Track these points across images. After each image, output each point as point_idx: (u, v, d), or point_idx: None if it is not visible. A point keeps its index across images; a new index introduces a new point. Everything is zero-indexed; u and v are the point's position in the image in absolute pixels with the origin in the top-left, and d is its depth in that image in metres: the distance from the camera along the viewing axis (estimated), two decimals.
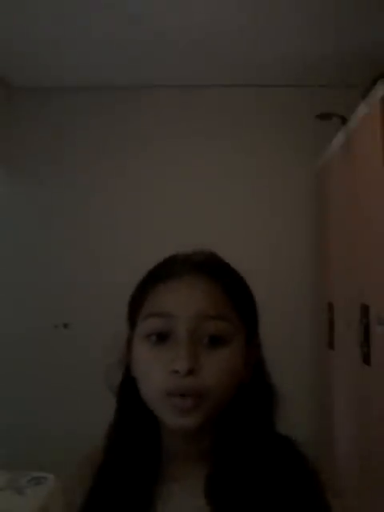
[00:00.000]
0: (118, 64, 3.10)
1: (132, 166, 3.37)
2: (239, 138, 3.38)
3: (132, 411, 0.84)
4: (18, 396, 3.26)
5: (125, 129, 3.41)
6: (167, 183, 3.36)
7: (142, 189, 3.36)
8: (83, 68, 3.17)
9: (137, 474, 0.80)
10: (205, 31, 2.69)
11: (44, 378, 3.28)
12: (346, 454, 2.63)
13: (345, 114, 2.63)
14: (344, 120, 2.64)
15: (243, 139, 3.38)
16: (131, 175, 3.37)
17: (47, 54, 2.96)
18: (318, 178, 3.22)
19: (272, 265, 3.31)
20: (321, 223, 3.18)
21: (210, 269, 0.83)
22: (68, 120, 3.41)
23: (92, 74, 3.24)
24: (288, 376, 3.62)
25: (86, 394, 3.19)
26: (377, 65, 2.58)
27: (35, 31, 2.69)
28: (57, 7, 2.45)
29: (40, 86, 3.38)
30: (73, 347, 3.26)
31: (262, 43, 2.82)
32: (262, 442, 0.81)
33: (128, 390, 0.83)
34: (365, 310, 2.20)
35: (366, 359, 2.19)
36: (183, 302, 0.78)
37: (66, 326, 3.31)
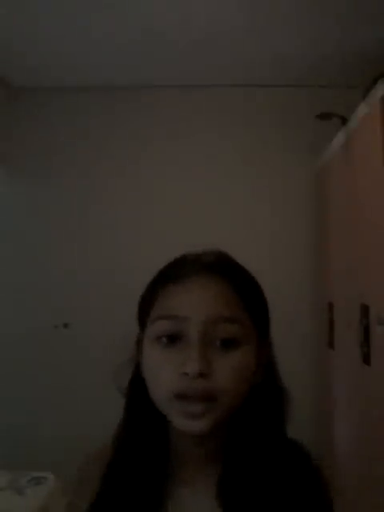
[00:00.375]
0: (118, 64, 3.10)
1: (132, 166, 3.37)
2: (239, 138, 3.38)
3: (141, 412, 0.83)
4: (18, 396, 3.26)
5: (125, 129, 3.41)
6: (167, 183, 3.36)
7: (141, 189, 3.36)
8: (83, 68, 3.17)
9: (146, 475, 0.79)
10: (205, 31, 2.69)
11: (44, 378, 3.28)
12: (346, 453, 2.63)
13: (345, 114, 2.63)
14: (344, 120, 2.64)
15: (243, 139, 3.38)
16: (131, 175, 3.37)
17: (47, 54, 2.96)
18: (318, 177, 3.22)
19: (272, 265, 3.31)
20: (321, 223, 3.18)
21: (221, 269, 0.82)
22: (68, 120, 3.41)
23: (92, 74, 3.24)
24: (288, 376, 3.61)
25: (86, 394, 3.19)
26: (377, 65, 2.58)
27: (35, 31, 2.70)
28: (57, 7, 2.46)
29: (40, 86, 3.38)
30: (73, 347, 3.26)
31: (262, 43, 2.82)
32: (272, 445, 0.81)
33: (137, 390, 0.83)
34: (365, 310, 2.20)
35: (366, 359, 2.19)
36: (194, 303, 0.77)
37: (66, 325, 3.31)
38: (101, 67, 3.15)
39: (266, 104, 3.38)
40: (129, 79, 3.31)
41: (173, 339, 0.77)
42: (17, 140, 3.36)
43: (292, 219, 3.34)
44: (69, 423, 3.15)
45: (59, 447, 3.01)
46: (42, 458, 2.68)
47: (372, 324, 2.14)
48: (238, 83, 3.34)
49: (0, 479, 2.20)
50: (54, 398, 3.26)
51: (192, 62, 3.09)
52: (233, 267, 0.85)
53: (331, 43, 2.80)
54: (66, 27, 2.66)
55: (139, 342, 0.83)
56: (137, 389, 0.83)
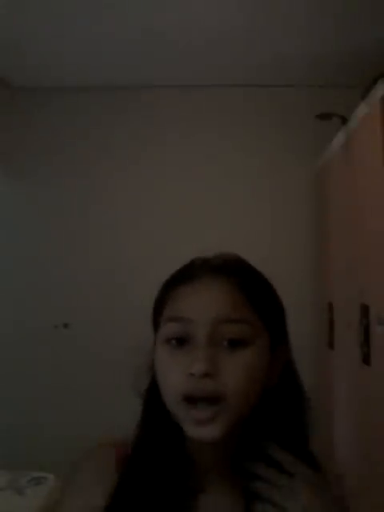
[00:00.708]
0: (118, 64, 3.10)
1: (132, 166, 3.37)
2: (239, 138, 3.38)
3: (157, 417, 0.82)
4: (18, 396, 3.26)
5: (125, 129, 3.41)
6: (167, 183, 3.36)
7: (141, 189, 3.36)
8: (83, 68, 3.17)
9: (163, 482, 0.78)
10: (205, 31, 2.69)
11: (44, 378, 3.28)
12: (346, 454, 2.63)
13: (345, 114, 2.63)
14: (344, 120, 2.64)
15: (243, 139, 3.38)
16: (131, 175, 3.37)
17: (47, 54, 2.96)
18: (318, 177, 3.22)
19: (272, 265, 3.29)
20: (321, 223, 3.18)
21: (229, 271, 0.82)
22: (68, 120, 3.41)
23: (92, 74, 3.24)
24: None
25: (86, 394, 3.19)
26: (377, 65, 2.58)
27: (35, 31, 2.69)
28: (57, 7, 2.45)
29: (40, 86, 3.38)
30: (73, 347, 3.26)
31: (261, 43, 2.82)
32: (291, 452, 0.79)
33: (154, 395, 0.82)
34: (365, 310, 2.20)
35: (366, 359, 2.19)
36: (201, 305, 0.78)
37: (66, 325, 3.31)
38: (101, 67, 3.15)
39: (266, 104, 3.38)
40: (129, 79, 3.30)
41: (181, 341, 0.77)
42: (17, 140, 3.36)
43: (292, 219, 3.34)
44: (69, 423, 3.15)
45: (59, 447, 3.01)
46: (42, 458, 2.68)
47: (372, 324, 2.14)
48: (238, 83, 3.34)
49: (0, 479, 2.20)
50: (54, 398, 3.26)
51: (192, 62, 3.09)
52: (241, 269, 0.87)
53: (331, 43, 2.80)
54: (65, 27, 2.66)
55: (154, 345, 0.83)
56: (153, 393, 0.82)
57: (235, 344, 0.76)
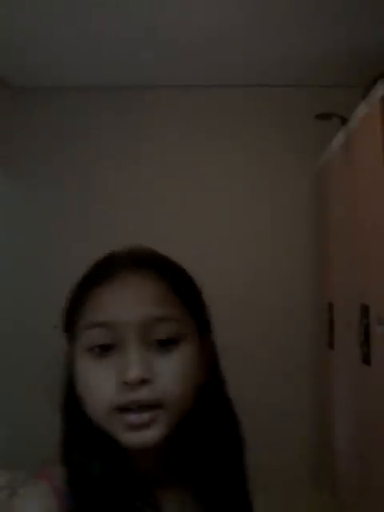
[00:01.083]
0: (118, 64, 3.10)
1: (132, 166, 3.37)
2: (239, 138, 3.38)
3: (83, 432, 0.72)
4: (18, 396, 3.26)
5: (125, 129, 3.41)
6: (167, 183, 3.36)
7: (141, 189, 3.36)
8: (83, 68, 3.17)
9: (108, 502, 0.69)
10: (205, 31, 2.69)
11: (44, 378, 3.27)
12: (346, 453, 2.63)
13: (345, 114, 2.63)
14: (344, 120, 2.64)
15: (243, 139, 3.38)
16: (131, 175, 3.36)
17: (48, 53, 2.96)
18: (318, 177, 3.22)
19: (272, 265, 3.31)
20: (321, 223, 3.18)
21: (151, 264, 0.74)
22: (68, 120, 3.41)
23: (92, 73, 3.24)
24: (288, 376, 3.64)
25: None
26: (377, 65, 2.58)
27: (35, 31, 2.69)
28: (57, 7, 2.45)
29: (40, 86, 3.38)
30: None
31: (261, 43, 2.82)
32: (231, 455, 0.78)
33: (75, 409, 0.72)
34: (365, 310, 2.20)
35: (366, 359, 2.19)
36: (126, 306, 0.70)
37: None
38: (101, 67, 3.15)
39: (266, 104, 3.38)
40: (128, 79, 3.30)
41: (106, 348, 0.69)
42: (17, 140, 3.36)
43: (292, 219, 3.34)
44: None
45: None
46: (41, 458, 2.67)
47: (372, 324, 2.14)
48: (238, 83, 3.34)
49: (0, 479, 2.20)
50: (54, 398, 3.25)
51: (192, 62, 3.09)
52: (163, 262, 0.78)
53: (331, 43, 2.80)
54: (65, 28, 2.65)
55: (70, 356, 0.74)
56: (74, 407, 0.73)
57: (166, 343, 0.70)
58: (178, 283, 0.74)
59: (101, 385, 0.68)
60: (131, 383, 0.66)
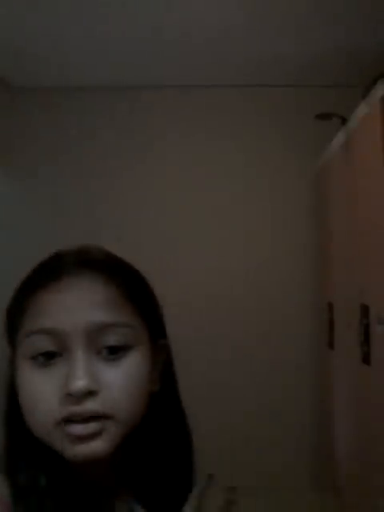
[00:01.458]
0: (118, 64, 3.10)
1: (132, 166, 3.37)
2: (239, 138, 3.38)
3: (28, 443, 0.66)
4: None
5: (125, 129, 3.41)
6: (167, 183, 3.36)
7: (142, 189, 3.36)
8: (84, 68, 3.17)
9: None
10: (205, 31, 2.69)
11: None
12: (346, 453, 2.63)
13: (345, 114, 2.63)
14: (344, 120, 2.64)
15: (243, 139, 3.38)
16: (131, 175, 3.36)
17: (48, 53, 2.96)
18: (318, 177, 3.22)
19: (272, 265, 3.31)
20: (321, 223, 3.18)
21: (101, 266, 0.68)
22: (68, 120, 3.41)
23: (92, 73, 3.24)
24: (288, 376, 3.64)
25: None
26: (377, 65, 2.58)
27: (36, 31, 2.69)
28: (57, 7, 2.45)
29: (40, 86, 3.38)
30: None
31: (261, 43, 2.82)
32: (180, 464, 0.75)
33: (18, 419, 0.67)
34: (365, 310, 2.20)
35: (366, 359, 2.19)
36: (71, 311, 0.64)
37: None
38: (101, 67, 3.16)
39: (266, 104, 3.38)
40: (128, 79, 3.30)
41: (50, 356, 0.64)
42: (17, 140, 3.36)
43: (292, 219, 3.34)
44: None
45: None
46: None
47: (372, 324, 2.14)
48: (238, 83, 3.34)
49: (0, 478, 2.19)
50: None
51: (192, 62, 3.09)
52: (113, 263, 0.72)
53: (331, 43, 2.80)
54: (66, 27, 2.66)
55: (11, 363, 0.69)
56: (17, 417, 0.67)
57: (115, 351, 0.65)
58: (129, 286, 0.69)
59: (44, 397, 0.63)
60: (75, 395, 0.61)
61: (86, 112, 3.41)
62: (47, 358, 0.64)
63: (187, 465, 0.76)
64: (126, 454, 0.70)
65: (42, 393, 0.63)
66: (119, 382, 0.64)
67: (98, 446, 0.63)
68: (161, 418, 0.73)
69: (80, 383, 0.61)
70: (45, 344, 0.64)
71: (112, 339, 0.65)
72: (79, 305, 0.65)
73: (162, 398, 0.73)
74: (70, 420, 0.62)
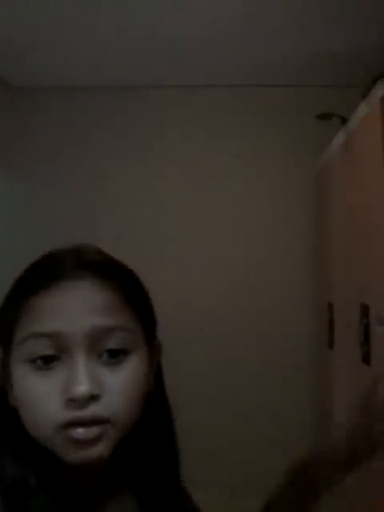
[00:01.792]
0: (118, 64, 3.10)
1: (132, 166, 3.37)
2: (239, 138, 3.38)
3: (18, 444, 0.66)
4: None
5: (125, 129, 3.41)
6: (168, 183, 3.36)
7: (142, 189, 3.36)
8: (83, 68, 3.17)
9: None
10: (205, 31, 2.69)
11: None
12: None
13: (345, 114, 2.63)
14: (344, 120, 2.64)
15: (243, 139, 3.38)
16: (131, 175, 3.37)
17: (47, 53, 2.96)
18: (318, 177, 3.22)
19: (272, 265, 3.31)
20: (321, 223, 3.18)
21: (101, 268, 0.68)
22: (68, 120, 3.41)
23: (92, 74, 3.24)
24: (288, 376, 3.64)
25: None
26: (377, 65, 2.58)
27: (35, 31, 2.69)
28: (57, 7, 2.45)
29: (40, 86, 3.38)
30: None
31: (262, 43, 2.82)
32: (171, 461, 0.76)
33: (8, 419, 0.66)
34: (365, 310, 2.20)
35: (366, 359, 2.19)
36: (73, 314, 0.64)
37: None
38: (101, 67, 3.16)
39: (266, 104, 3.38)
40: (128, 79, 3.30)
41: (50, 359, 0.63)
42: (17, 140, 3.36)
43: (292, 219, 3.34)
44: None
45: None
46: None
47: (372, 324, 2.14)
48: (238, 83, 3.34)
49: None
50: None
51: (192, 63, 3.09)
52: (112, 265, 0.72)
53: (331, 43, 2.80)
54: (66, 27, 2.65)
55: (5, 367, 0.67)
56: (7, 418, 0.67)
57: (115, 354, 0.65)
58: (127, 289, 0.69)
59: (45, 401, 0.62)
60: (78, 400, 0.61)
61: (86, 112, 3.41)
62: (46, 361, 0.63)
63: (175, 460, 0.76)
64: (118, 453, 0.69)
65: (43, 397, 0.63)
66: (120, 386, 0.65)
67: (98, 451, 0.63)
68: (153, 418, 0.74)
69: (82, 388, 0.61)
70: (44, 347, 0.63)
71: (113, 343, 0.65)
72: (80, 308, 0.64)
73: (154, 399, 0.74)
74: (71, 424, 0.62)
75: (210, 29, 2.67)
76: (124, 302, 0.67)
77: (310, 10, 2.48)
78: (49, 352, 0.64)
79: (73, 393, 0.61)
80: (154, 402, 0.73)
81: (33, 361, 0.64)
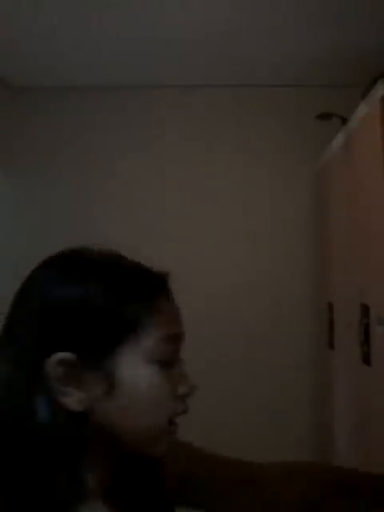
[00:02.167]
0: (118, 64, 3.10)
1: (132, 166, 3.37)
2: (239, 138, 3.38)
3: (15, 449, 0.64)
4: None
5: (125, 129, 3.41)
6: (167, 183, 3.36)
7: (142, 189, 3.36)
8: (84, 68, 3.17)
9: None
10: (204, 31, 2.69)
11: None
12: (345, 454, 2.63)
13: (345, 114, 2.63)
14: (344, 120, 2.64)
15: (243, 139, 3.38)
16: (131, 175, 3.37)
17: (48, 53, 2.96)
18: (318, 178, 3.22)
19: (272, 265, 3.31)
20: (321, 223, 3.18)
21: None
22: (68, 120, 3.41)
23: (92, 74, 3.24)
24: (288, 376, 3.64)
25: None
26: (377, 65, 2.58)
27: (36, 31, 2.69)
28: (57, 7, 2.45)
29: (40, 86, 3.38)
30: None
31: (261, 43, 2.82)
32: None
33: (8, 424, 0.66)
34: (365, 310, 2.20)
35: (366, 359, 2.19)
36: (181, 318, 0.75)
37: None
38: (101, 67, 3.15)
39: (266, 104, 3.38)
40: (128, 79, 3.30)
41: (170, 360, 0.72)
42: (17, 140, 3.36)
43: (292, 219, 3.34)
44: None
45: None
46: None
47: (372, 324, 2.14)
48: (238, 83, 3.34)
49: None
50: None
51: (191, 62, 3.08)
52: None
53: (331, 43, 2.80)
54: (66, 27, 2.65)
55: (76, 367, 0.67)
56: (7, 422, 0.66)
57: None
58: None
59: (166, 397, 0.69)
60: (191, 394, 0.70)
61: (86, 112, 3.41)
62: (168, 362, 0.70)
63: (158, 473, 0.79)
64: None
65: (165, 393, 0.69)
66: None
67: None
68: None
69: (193, 384, 0.71)
70: (176, 348, 0.72)
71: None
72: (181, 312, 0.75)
73: None
74: (172, 419, 0.70)
75: (209, 29, 2.67)
76: None
77: (309, 10, 2.48)
78: (177, 352, 0.72)
79: (187, 388, 0.70)
80: None
81: (160, 361, 0.69)
